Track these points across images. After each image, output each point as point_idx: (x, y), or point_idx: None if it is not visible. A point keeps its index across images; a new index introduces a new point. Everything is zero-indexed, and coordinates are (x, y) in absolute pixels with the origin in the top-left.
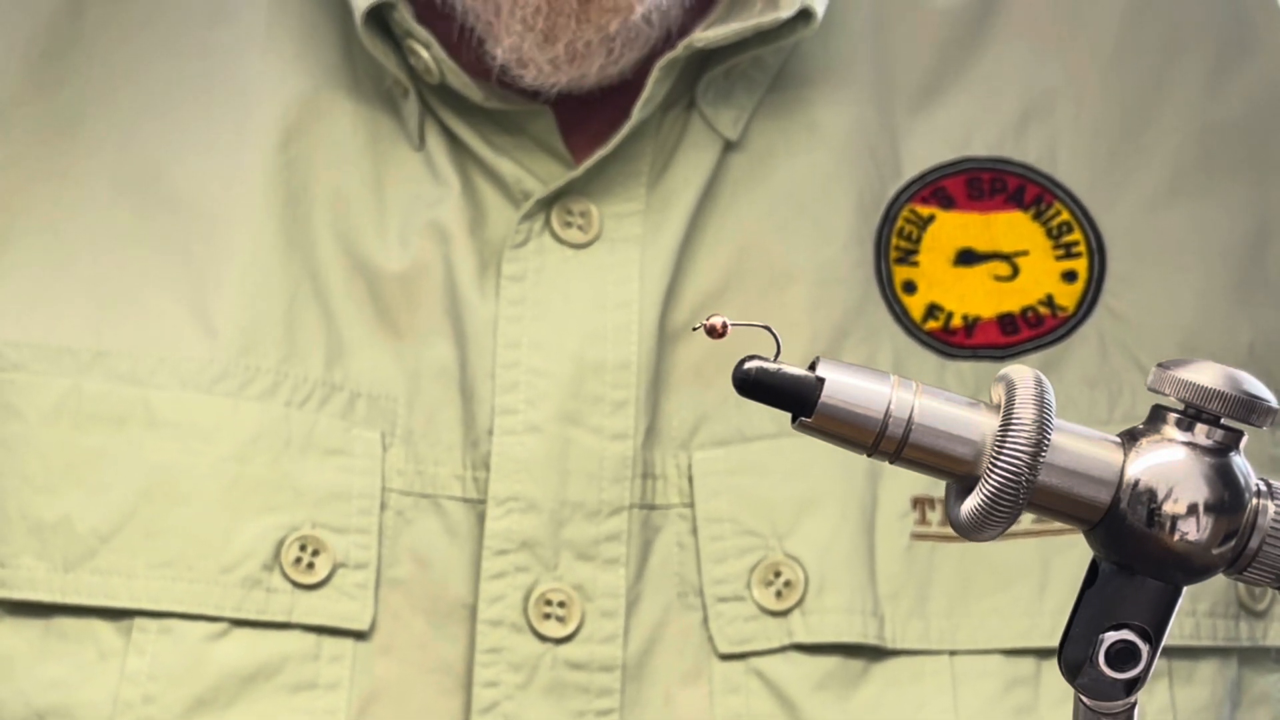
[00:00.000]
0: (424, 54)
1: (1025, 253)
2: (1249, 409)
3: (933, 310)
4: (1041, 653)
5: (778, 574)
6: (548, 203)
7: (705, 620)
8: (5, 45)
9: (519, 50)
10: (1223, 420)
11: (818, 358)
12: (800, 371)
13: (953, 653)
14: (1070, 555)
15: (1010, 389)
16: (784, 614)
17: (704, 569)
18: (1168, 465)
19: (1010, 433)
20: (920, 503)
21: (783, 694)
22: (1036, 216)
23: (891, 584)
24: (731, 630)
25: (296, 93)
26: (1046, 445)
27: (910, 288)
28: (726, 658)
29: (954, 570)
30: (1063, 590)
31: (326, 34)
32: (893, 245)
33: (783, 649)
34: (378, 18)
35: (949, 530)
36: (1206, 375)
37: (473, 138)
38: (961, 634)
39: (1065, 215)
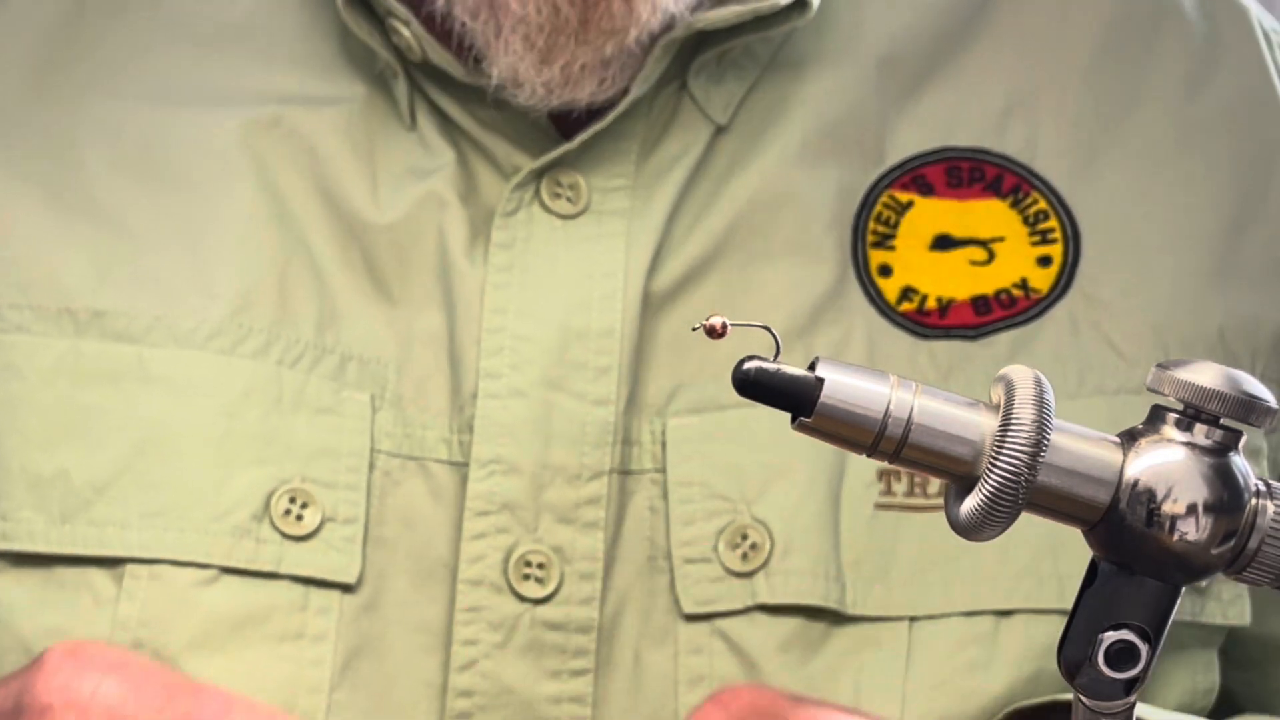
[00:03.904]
0: (405, 32)
1: (1001, 239)
2: (1248, 409)
3: (907, 293)
4: (1000, 613)
5: (744, 537)
6: (538, 174)
7: (672, 583)
8: (4, 58)
9: (515, 71)
10: (1222, 420)
11: (817, 358)
12: (800, 372)
13: (912, 619)
14: (1033, 522)
15: (1010, 389)
16: (749, 575)
17: (673, 531)
18: (1167, 465)
19: (1009, 433)
20: (886, 474)
21: (745, 655)
22: (1014, 205)
23: (854, 551)
24: (697, 591)
25: (293, 75)
26: (1046, 445)
27: (886, 271)
28: (692, 618)
29: (917, 539)
30: (1024, 555)
31: (322, 22)
32: (870, 229)
33: (746, 610)
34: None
35: (913, 500)
36: (1206, 375)
37: (462, 115)
38: (922, 601)
39: (1042, 204)
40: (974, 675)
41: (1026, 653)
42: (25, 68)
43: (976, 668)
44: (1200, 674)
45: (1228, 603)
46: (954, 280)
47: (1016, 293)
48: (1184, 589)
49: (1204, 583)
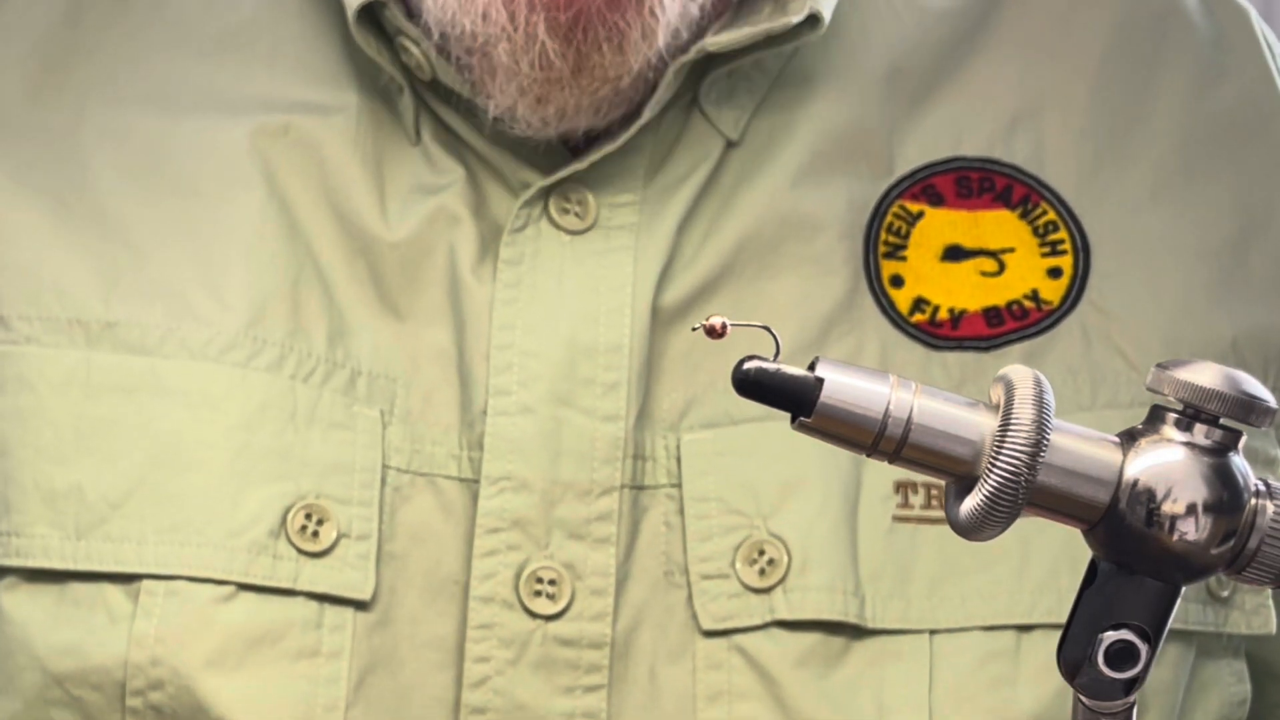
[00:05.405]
0: (415, 50)
1: (1011, 250)
2: (1248, 409)
3: (919, 303)
4: (1021, 628)
5: (761, 552)
6: (547, 190)
7: (690, 598)
8: (3, 59)
9: (512, 110)
10: (1221, 420)
11: (817, 358)
12: (800, 372)
13: (933, 632)
14: (1050, 535)
15: (1009, 389)
16: (766, 591)
17: (689, 547)
18: (1167, 465)
19: (1009, 433)
20: (903, 486)
21: (764, 670)
22: (1023, 215)
23: (873, 564)
24: (715, 607)
25: (298, 82)
26: (1045, 445)
27: (898, 281)
28: (710, 634)
29: (935, 552)
30: (1042, 569)
31: (326, 32)
32: (881, 240)
33: (764, 626)
34: (370, 16)
35: (930, 513)
36: (1205, 375)
37: (469, 133)
38: (941, 614)
39: (1051, 215)
40: (1000, 690)
41: (1051, 668)
42: (25, 70)
43: (1002, 683)
44: (1234, 684)
45: (1251, 612)
46: (965, 291)
47: (1028, 304)
48: (1203, 599)
49: (1225, 588)
